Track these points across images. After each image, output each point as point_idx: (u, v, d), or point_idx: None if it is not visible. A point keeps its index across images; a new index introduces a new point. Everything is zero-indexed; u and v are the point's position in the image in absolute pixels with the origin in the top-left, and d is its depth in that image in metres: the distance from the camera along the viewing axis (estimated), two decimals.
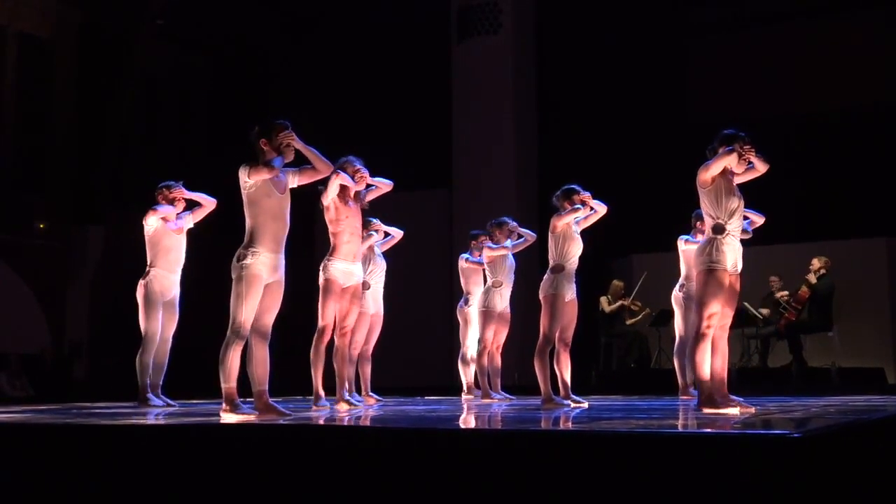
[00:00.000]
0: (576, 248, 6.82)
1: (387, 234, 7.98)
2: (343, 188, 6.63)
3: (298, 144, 5.59)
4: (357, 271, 6.70)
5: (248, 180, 5.43)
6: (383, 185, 7.05)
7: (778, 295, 11.70)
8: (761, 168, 5.79)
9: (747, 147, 5.58)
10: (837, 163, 13.03)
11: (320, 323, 6.61)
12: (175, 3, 16.24)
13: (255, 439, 4.31)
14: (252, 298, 5.31)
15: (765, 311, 11.82)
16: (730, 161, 5.52)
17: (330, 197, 6.57)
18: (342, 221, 6.61)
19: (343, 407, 6.65)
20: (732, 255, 5.44)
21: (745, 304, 11.93)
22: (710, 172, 5.53)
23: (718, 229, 5.43)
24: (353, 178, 6.69)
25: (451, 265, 10.07)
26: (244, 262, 5.33)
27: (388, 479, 3.81)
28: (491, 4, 14.36)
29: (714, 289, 5.39)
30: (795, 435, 3.35)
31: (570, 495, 3.47)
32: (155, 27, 16.44)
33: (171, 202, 7.59)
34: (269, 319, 5.42)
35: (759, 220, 7.23)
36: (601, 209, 6.98)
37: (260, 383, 5.36)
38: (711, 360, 5.54)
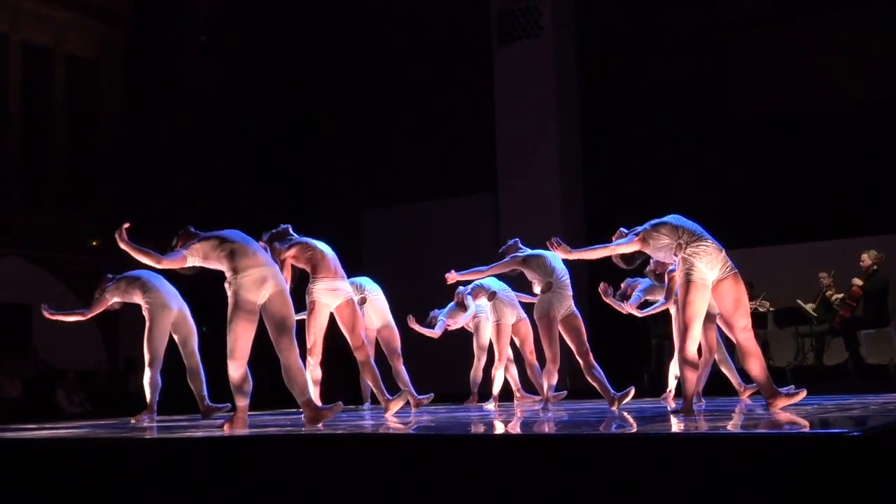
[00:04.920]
0: (548, 261, 6.89)
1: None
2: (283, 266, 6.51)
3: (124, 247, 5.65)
4: (343, 287, 6.70)
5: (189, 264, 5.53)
6: None
7: (832, 298, 11.49)
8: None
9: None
10: (884, 154, 12.81)
11: (307, 344, 6.68)
12: (217, 20, 16.44)
13: (295, 448, 4.33)
14: (233, 322, 5.34)
15: (810, 306, 11.62)
16: (632, 248, 5.71)
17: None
18: (307, 254, 6.62)
19: (392, 409, 6.71)
20: (709, 261, 5.46)
21: (798, 301, 11.76)
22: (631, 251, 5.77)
23: (681, 248, 5.53)
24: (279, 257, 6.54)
25: None
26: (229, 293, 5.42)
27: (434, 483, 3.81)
28: (531, 8, 14.35)
29: (689, 297, 5.44)
30: (855, 434, 3.29)
31: (627, 496, 3.45)
32: (198, 44, 16.66)
33: None
34: (279, 339, 5.40)
35: None
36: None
37: (300, 395, 5.40)
38: (748, 365, 5.51)
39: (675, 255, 5.55)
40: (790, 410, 5.33)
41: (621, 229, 5.99)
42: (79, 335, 15.52)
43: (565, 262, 6.97)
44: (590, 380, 6.87)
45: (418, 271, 14.28)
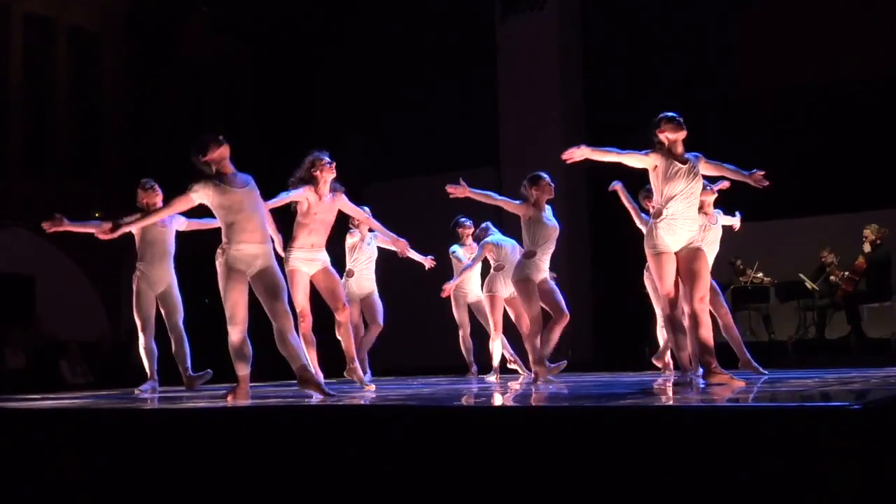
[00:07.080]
0: (548, 232, 7.09)
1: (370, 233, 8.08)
2: (317, 182, 6.68)
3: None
4: (320, 256, 6.71)
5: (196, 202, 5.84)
6: None
7: (833, 277, 11.46)
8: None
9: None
10: (888, 130, 12.75)
11: (297, 309, 6.64)
12: None
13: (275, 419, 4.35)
14: (227, 290, 5.41)
15: (811, 284, 11.60)
16: (642, 162, 5.81)
17: (299, 197, 6.61)
18: (313, 216, 6.63)
19: (354, 377, 6.78)
20: (673, 237, 5.59)
21: (801, 275, 11.76)
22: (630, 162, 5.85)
23: (656, 214, 5.66)
24: (322, 173, 6.76)
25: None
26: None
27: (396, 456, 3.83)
28: None
29: (661, 271, 5.60)
30: (856, 407, 3.30)
31: (622, 470, 3.46)
32: (200, 16, 16.56)
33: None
34: (273, 306, 5.44)
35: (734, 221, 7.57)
36: None
37: (294, 360, 5.45)
38: (696, 333, 5.57)
39: (651, 214, 5.72)
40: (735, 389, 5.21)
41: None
42: (82, 307, 15.60)
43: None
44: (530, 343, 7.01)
45: (420, 245, 14.24)
